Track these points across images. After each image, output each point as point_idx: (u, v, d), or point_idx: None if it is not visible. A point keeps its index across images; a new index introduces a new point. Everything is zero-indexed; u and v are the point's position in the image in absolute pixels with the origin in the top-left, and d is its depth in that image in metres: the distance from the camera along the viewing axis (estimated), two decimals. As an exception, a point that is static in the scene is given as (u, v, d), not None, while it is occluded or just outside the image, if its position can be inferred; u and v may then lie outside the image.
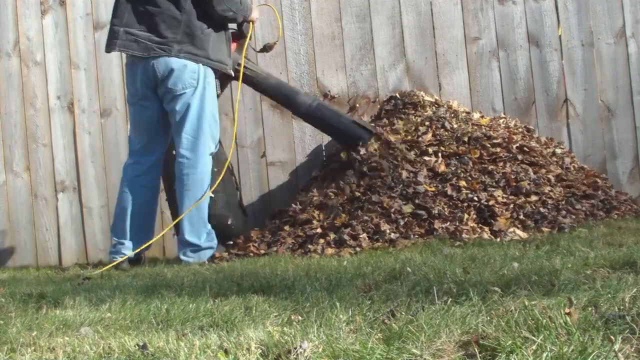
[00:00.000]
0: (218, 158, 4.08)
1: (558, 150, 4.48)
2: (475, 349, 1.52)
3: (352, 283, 2.41)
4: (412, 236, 3.65)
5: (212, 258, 3.85)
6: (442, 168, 4.04)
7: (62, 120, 4.90)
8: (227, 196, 4.10)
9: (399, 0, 4.78)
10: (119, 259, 3.84)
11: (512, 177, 4.00)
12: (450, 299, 1.95)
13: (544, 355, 1.42)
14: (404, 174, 3.98)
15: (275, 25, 4.80)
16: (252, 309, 2.11)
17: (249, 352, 1.61)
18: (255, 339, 1.67)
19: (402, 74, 4.78)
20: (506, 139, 4.27)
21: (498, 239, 3.53)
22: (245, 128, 4.78)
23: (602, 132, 4.72)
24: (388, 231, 3.67)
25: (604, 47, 4.73)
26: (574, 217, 3.80)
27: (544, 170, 4.13)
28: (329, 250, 3.61)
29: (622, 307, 1.72)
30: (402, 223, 3.73)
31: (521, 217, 3.78)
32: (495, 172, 4.02)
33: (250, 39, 4.18)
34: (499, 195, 3.88)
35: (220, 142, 4.09)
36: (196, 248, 3.85)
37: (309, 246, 3.69)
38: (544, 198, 3.91)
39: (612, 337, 1.48)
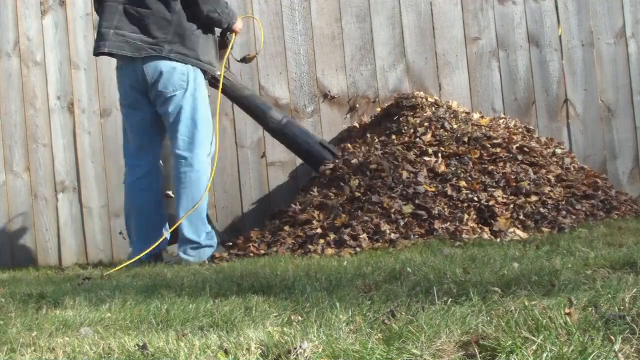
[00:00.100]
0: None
1: (558, 151, 4.48)
2: (475, 349, 1.52)
3: (352, 283, 2.41)
4: (412, 236, 3.65)
5: (211, 258, 3.85)
6: (442, 168, 4.04)
7: (62, 120, 4.90)
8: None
9: (399, 1, 4.78)
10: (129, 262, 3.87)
11: (512, 177, 4.00)
12: (450, 299, 1.95)
13: (544, 355, 1.42)
14: (404, 174, 3.98)
15: (275, 25, 4.80)
16: (252, 309, 2.11)
17: (249, 352, 1.61)
18: (255, 339, 1.67)
19: (402, 74, 4.78)
20: (506, 139, 4.27)
21: (498, 239, 3.53)
22: (245, 128, 4.78)
23: (602, 132, 4.72)
24: (388, 231, 3.67)
25: (604, 47, 4.73)
26: (574, 217, 3.80)
27: (544, 171, 4.13)
28: (329, 251, 3.61)
29: (622, 307, 1.72)
30: (402, 223, 3.73)
31: (521, 217, 3.78)
32: (495, 172, 4.02)
33: (231, 49, 4.19)
34: (499, 196, 3.88)
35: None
36: (196, 245, 3.86)
37: (309, 246, 3.69)
38: (544, 198, 3.91)
39: (612, 337, 1.48)
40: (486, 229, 3.70)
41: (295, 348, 1.57)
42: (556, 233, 3.59)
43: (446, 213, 3.77)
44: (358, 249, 3.58)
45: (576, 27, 4.74)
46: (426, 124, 4.34)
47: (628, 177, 4.69)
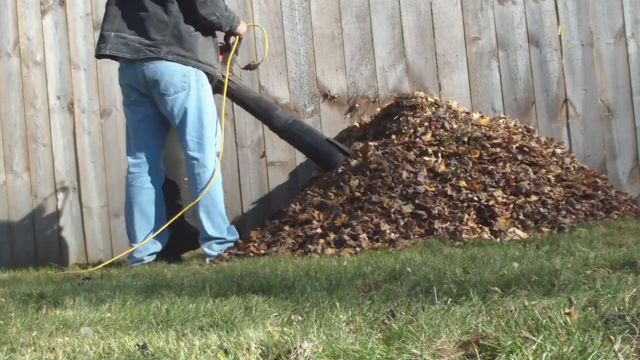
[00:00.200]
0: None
1: (558, 150, 4.48)
2: (475, 349, 1.52)
3: (352, 283, 2.41)
4: (412, 236, 3.65)
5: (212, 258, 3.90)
6: (442, 168, 4.04)
7: (62, 120, 4.90)
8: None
9: (399, 1, 4.78)
10: (134, 264, 3.89)
11: (512, 177, 4.00)
12: (450, 299, 1.95)
13: (544, 355, 1.42)
14: (404, 174, 3.98)
15: (275, 25, 4.80)
16: (252, 309, 2.11)
17: (249, 352, 1.61)
18: (255, 339, 1.67)
19: (402, 74, 4.78)
20: (506, 139, 4.27)
21: (498, 239, 3.53)
22: (245, 128, 4.79)
23: (602, 132, 4.72)
24: (388, 231, 3.67)
25: (604, 47, 4.73)
26: (574, 217, 3.80)
27: (544, 170, 4.13)
28: (329, 250, 3.61)
29: (622, 307, 1.72)
30: (402, 223, 3.73)
31: (521, 217, 3.77)
32: (495, 172, 4.02)
33: (236, 54, 4.20)
34: (499, 195, 3.88)
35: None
36: (221, 240, 3.95)
37: (309, 246, 3.69)
38: (544, 198, 3.91)
39: (612, 337, 1.48)
40: (486, 228, 3.70)
41: (295, 348, 1.57)
42: (556, 233, 3.59)
43: (446, 213, 3.77)
44: (358, 249, 3.58)
45: (576, 27, 4.74)
46: (426, 123, 4.34)
47: (628, 177, 4.69)
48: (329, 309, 1.97)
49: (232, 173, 4.76)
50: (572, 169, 4.36)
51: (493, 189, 3.92)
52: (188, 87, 3.90)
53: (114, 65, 4.77)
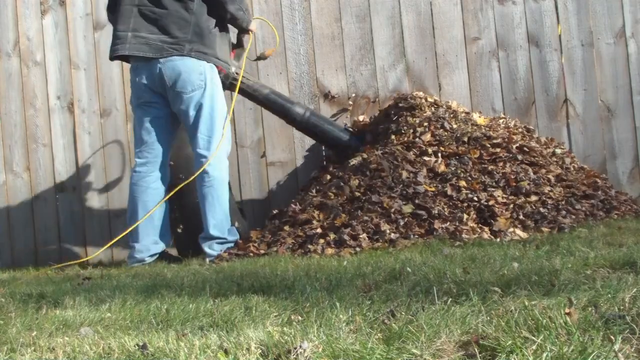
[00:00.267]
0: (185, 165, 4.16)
1: (558, 151, 4.48)
2: (475, 349, 1.52)
3: (352, 283, 2.41)
4: (412, 236, 3.65)
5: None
6: (442, 168, 4.04)
7: (62, 120, 4.90)
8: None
9: (398, 1, 4.78)
10: (135, 265, 3.89)
11: (512, 177, 4.00)
12: (450, 299, 1.95)
13: (544, 355, 1.42)
14: (404, 174, 3.98)
15: (275, 25, 4.80)
16: (252, 309, 2.11)
17: (249, 352, 1.61)
18: (255, 339, 1.67)
19: (402, 74, 4.78)
20: (506, 139, 4.27)
21: (498, 239, 3.53)
22: (245, 128, 4.79)
23: (602, 132, 4.72)
24: (388, 231, 3.67)
25: (604, 47, 4.73)
26: (574, 217, 3.80)
27: (544, 170, 4.13)
28: (329, 250, 3.61)
29: (622, 307, 1.72)
30: (402, 223, 3.73)
31: (521, 217, 3.77)
32: (495, 172, 4.02)
33: (248, 51, 4.22)
34: (498, 195, 3.88)
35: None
36: (222, 241, 3.96)
37: (309, 246, 3.69)
38: (544, 198, 3.91)
39: (612, 337, 1.48)
40: (486, 228, 3.69)
41: (295, 348, 1.57)
42: (556, 233, 3.59)
43: (446, 213, 3.77)
44: (358, 249, 3.58)
45: (576, 27, 4.74)
46: (426, 123, 4.34)
47: (628, 177, 4.69)
48: (329, 309, 1.97)
49: (232, 173, 4.74)
50: (572, 169, 4.36)
51: (493, 189, 3.92)
52: (204, 85, 3.92)
53: (114, 65, 4.78)
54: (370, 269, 2.71)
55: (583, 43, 4.74)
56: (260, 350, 1.62)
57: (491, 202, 3.83)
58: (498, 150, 4.18)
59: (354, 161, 4.21)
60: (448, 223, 3.70)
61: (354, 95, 4.78)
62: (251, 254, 3.80)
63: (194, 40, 3.89)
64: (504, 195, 3.91)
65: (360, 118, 4.74)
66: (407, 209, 3.80)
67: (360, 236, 3.66)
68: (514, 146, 4.22)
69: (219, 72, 4.01)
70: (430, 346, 1.56)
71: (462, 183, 3.93)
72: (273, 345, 1.62)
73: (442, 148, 4.16)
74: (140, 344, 1.71)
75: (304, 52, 4.80)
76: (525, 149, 4.24)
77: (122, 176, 4.84)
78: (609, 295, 1.82)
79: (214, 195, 3.93)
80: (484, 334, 1.60)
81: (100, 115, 4.88)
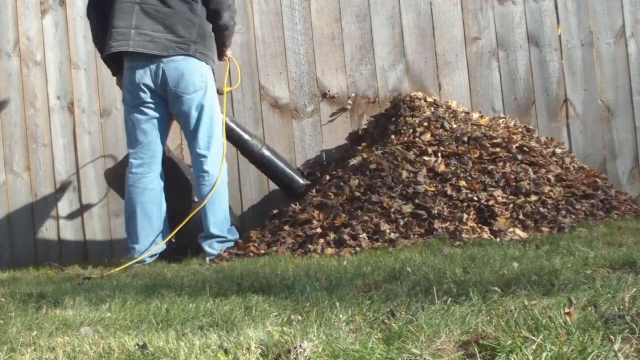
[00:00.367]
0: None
1: (558, 150, 4.48)
2: (475, 349, 1.52)
3: (352, 283, 2.41)
4: (412, 236, 3.65)
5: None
6: (442, 168, 4.04)
7: (62, 120, 4.90)
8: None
9: (398, 0, 4.78)
10: (135, 264, 3.89)
11: (512, 177, 4.00)
12: (450, 299, 1.95)
13: (544, 355, 1.42)
14: (404, 174, 3.98)
15: (275, 25, 4.80)
16: (252, 308, 2.11)
17: (249, 351, 1.61)
18: (255, 339, 1.67)
19: (401, 74, 4.78)
20: (506, 139, 4.27)
21: (498, 239, 3.53)
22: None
23: (602, 132, 4.72)
24: (388, 231, 3.67)
25: (604, 47, 4.73)
26: (573, 217, 3.80)
27: (543, 170, 4.13)
28: (329, 250, 3.61)
29: (621, 307, 1.72)
30: (402, 223, 3.73)
31: (521, 217, 3.77)
32: (495, 172, 4.02)
33: (228, 72, 4.26)
34: (498, 195, 3.88)
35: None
36: (222, 239, 3.97)
37: (309, 246, 3.69)
38: (544, 198, 3.91)
39: (611, 336, 1.49)
40: (486, 228, 3.69)
41: (295, 347, 1.58)
42: (556, 233, 3.59)
43: (446, 213, 3.77)
44: (358, 249, 3.58)
45: (576, 27, 4.74)
46: (425, 123, 4.34)
47: (628, 177, 4.69)
48: (329, 309, 1.97)
49: (232, 173, 4.75)
50: (572, 168, 4.36)
51: (493, 189, 3.92)
52: (205, 86, 3.94)
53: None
54: (370, 268, 2.71)
55: (583, 43, 4.74)
56: (260, 350, 1.62)
57: (491, 202, 3.83)
58: (498, 150, 4.18)
59: (354, 161, 4.21)
60: (448, 223, 3.70)
61: (353, 95, 4.78)
62: (251, 254, 3.80)
63: (198, 41, 3.92)
64: (504, 195, 3.91)
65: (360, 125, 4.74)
66: (407, 208, 3.80)
67: (360, 236, 3.67)
68: (514, 146, 4.22)
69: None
70: (430, 346, 1.56)
71: (462, 183, 3.93)
72: (273, 345, 1.62)
73: (442, 148, 4.16)
74: (140, 343, 1.71)
75: (304, 52, 4.80)
76: (525, 148, 4.24)
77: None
78: (609, 295, 1.82)
79: (214, 195, 3.93)
80: (483, 334, 1.60)
81: (100, 115, 4.88)
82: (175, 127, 4.26)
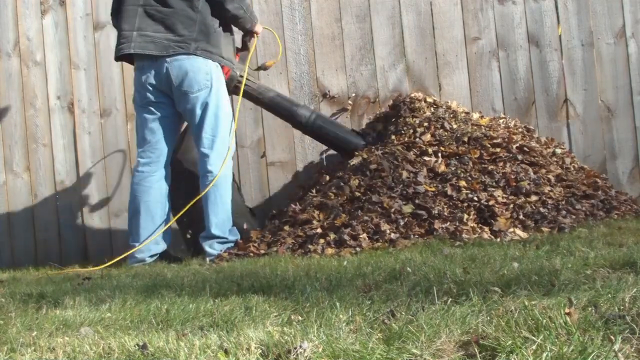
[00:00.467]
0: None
1: (558, 151, 4.48)
2: (475, 349, 1.52)
3: (352, 283, 2.41)
4: (412, 236, 3.65)
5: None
6: (442, 168, 4.04)
7: (62, 120, 4.90)
8: (235, 203, 4.13)
9: (399, 1, 4.78)
10: (135, 264, 3.89)
11: (512, 177, 4.00)
12: (450, 299, 1.95)
13: (544, 355, 1.42)
14: (404, 174, 3.98)
15: (275, 25, 4.80)
16: (252, 309, 2.11)
17: (249, 352, 1.61)
18: (255, 339, 1.67)
19: (402, 74, 4.78)
20: (506, 139, 4.27)
21: (498, 239, 3.53)
22: (245, 128, 4.79)
23: (602, 132, 4.72)
24: (388, 231, 3.67)
25: (604, 47, 4.73)
26: (574, 217, 3.80)
27: (544, 170, 4.13)
28: (329, 250, 3.61)
29: (622, 307, 1.72)
30: (402, 223, 3.73)
31: (521, 217, 3.77)
32: (495, 172, 4.02)
33: (253, 52, 4.24)
34: (499, 195, 3.88)
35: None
36: (223, 240, 3.96)
37: (309, 246, 3.69)
38: (544, 198, 3.91)
39: (612, 337, 1.48)
40: (486, 228, 3.69)
41: (295, 348, 1.58)
42: (556, 233, 3.59)
43: (446, 213, 3.77)
44: (358, 249, 3.58)
45: (576, 27, 4.74)
46: (426, 124, 4.34)
47: (628, 177, 4.69)
48: (329, 309, 1.97)
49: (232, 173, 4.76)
50: (572, 169, 4.36)
51: (493, 189, 3.92)
52: (210, 84, 3.92)
53: (114, 65, 4.78)
54: (370, 269, 2.71)
55: (583, 43, 4.74)
56: (260, 350, 1.62)
57: (491, 202, 3.83)
58: (498, 150, 4.18)
59: (354, 161, 4.21)
60: (448, 223, 3.70)
61: (354, 95, 4.78)
62: (251, 254, 3.80)
63: (200, 38, 3.90)
64: (504, 195, 3.91)
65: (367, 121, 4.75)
66: (407, 209, 3.80)
67: (360, 236, 3.66)
68: (514, 146, 4.22)
69: (231, 80, 4.05)
70: (430, 346, 1.56)
71: (462, 183, 3.93)
72: (273, 345, 1.62)
73: (442, 148, 4.16)
74: (140, 344, 1.71)
75: (304, 52, 4.80)
76: (526, 149, 4.24)
77: (122, 176, 4.84)
78: (609, 295, 1.82)
79: (217, 195, 3.93)
80: (484, 334, 1.60)
81: (100, 115, 4.88)
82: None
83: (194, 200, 3.94)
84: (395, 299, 2.05)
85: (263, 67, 4.44)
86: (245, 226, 4.10)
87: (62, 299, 2.51)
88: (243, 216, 4.17)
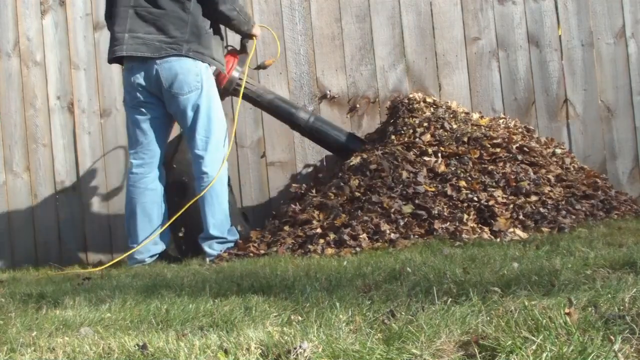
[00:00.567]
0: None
1: (558, 151, 4.48)
2: (475, 349, 1.52)
3: (352, 283, 2.41)
4: (412, 236, 3.65)
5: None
6: (442, 168, 4.04)
7: (62, 120, 4.90)
8: (229, 204, 4.13)
9: (399, 1, 4.78)
10: (134, 265, 3.89)
11: (512, 177, 4.00)
12: (450, 299, 1.95)
13: (544, 355, 1.42)
14: (404, 174, 3.98)
15: (275, 25, 4.80)
16: (252, 309, 2.11)
17: (249, 352, 1.61)
18: (255, 339, 1.67)
19: (402, 74, 4.78)
20: (506, 139, 4.27)
21: (498, 239, 3.53)
22: (245, 128, 4.79)
23: (602, 132, 4.72)
24: (388, 231, 3.67)
25: (604, 47, 4.73)
26: (574, 217, 3.80)
27: (544, 171, 4.13)
28: (329, 251, 3.61)
29: (622, 307, 1.72)
30: (402, 223, 3.73)
31: (521, 217, 3.77)
32: (495, 172, 4.01)
33: (251, 57, 4.24)
34: (498, 196, 3.88)
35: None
36: (222, 240, 3.96)
37: (309, 246, 3.69)
38: (544, 198, 3.91)
39: (612, 337, 1.48)
40: (486, 229, 3.69)
41: (295, 348, 1.58)
42: (556, 233, 3.59)
43: (446, 213, 3.77)
44: (358, 249, 3.58)
45: (576, 27, 4.74)
46: (425, 124, 4.34)
47: (628, 177, 4.69)
48: (329, 309, 1.97)
49: (232, 173, 4.75)
50: (572, 169, 4.36)
51: (493, 189, 3.92)
52: (201, 86, 3.92)
53: (115, 65, 4.77)
54: (370, 269, 2.71)
55: (583, 43, 4.74)
56: (260, 351, 1.62)
57: (491, 202, 3.83)
58: (498, 150, 4.18)
59: (354, 161, 4.21)
60: (448, 223, 3.70)
61: (354, 95, 4.78)
62: (251, 254, 3.80)
63: (192, 40, 3.89)
64: (504, 195, 3.91)
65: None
66: (407, 209, 3.80)
67: (360, 236, 3.66)
68: (514, 146, 4.22)
69: (217, 76, 4.04)
70: (430, 346, 1.56)
71: (462, 183, 3.93)
72: (273, 345, 1.62)
73: (442, 148, 4.16)
74: (140, 344, 1.71)
75: (304, 52, 4.80)
76: (525, 149, 4.24)
77: (122, 176, 4.84)
78: (609, 295, 1.82)
79: (214, 195, 3.93)
80: (484, 334, 1.60)
81: (100, 115, 4.88)
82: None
83: (192, 202, 3.94)
84: (395, 299, 2.05)
85: (262, 66, 4.43)
86: (239, 228, 4.09)
87: (62, 299, 2.51)
88: (235, 218, 4.16)
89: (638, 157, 4.69)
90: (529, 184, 3.97)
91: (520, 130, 4.50)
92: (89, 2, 4.90)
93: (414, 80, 4.77)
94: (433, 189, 3.91)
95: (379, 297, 2.12)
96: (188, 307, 2.19)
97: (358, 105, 4.77)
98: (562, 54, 4.74)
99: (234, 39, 4.41)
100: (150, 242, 3.96)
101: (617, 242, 2.95)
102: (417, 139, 4.24)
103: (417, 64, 4.78)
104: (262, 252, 3.79)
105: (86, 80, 4.89)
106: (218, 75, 4.11)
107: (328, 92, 4.77)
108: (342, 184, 4.07)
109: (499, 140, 4.23)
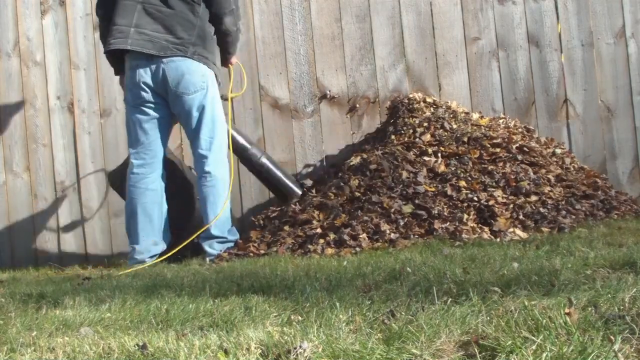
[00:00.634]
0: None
1: (558, 151, 4.48)
2: (475, 349, 1.52)
3: (352, 283, 2.41)
4: (412, 236, 3.65)
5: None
6: (442, 168, 4.04)
7: (62, 120, 4.90)
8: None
9: (399, 1, 4.78)
10: (135, 265, 3.89)
11: (512, 177, 4.00)
12: (450, 299, 1.95)
13: (544, 355, 1.42)
14: (404, 174, 3.98)
15: (275, 25, 4.80)
16: (252, 309, 2.11)
17: (249, 352, 1.61)
18: (255, 339, 1.67)
19: (402, 74, 4.78)
20: (506, 139, 4.27)
21: (498, 239, 3.53)
22: (245, 128, 4.78)
23: (602, 132, 4.72)
24: (388, 231, 3.67)
25: (604, 47, 4.73)
26: (573, 217, 3.80)
27: (543, 171, 4.13)
28: (329, 251, 3.61)
29: (622, 307, 1.72)
30: (402, 223, 3.73)
31: (521, 217, 3.77)
32: (495, 172, 4.02)
33: (231, 79, 4.23)
34: (498, 196, 3.88)
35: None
36: (223, 240, 3.97)
37: (309, 246, 3.69)
38: (544, 198, 3.91)
39: (611, 337, 1.48)
40: (486, 229, 3.69)
41: (295, 348, 1.58)
42: (556, 233, 3.59)
43: (446, 213, 3.77)
44: (358, 249, 3.58)
45: (576, 27, 4.74)
46: (425, 124, 4.34)
47: (628, 177, 4.69)
48: (329, 309, 1.97)
49: (231, 173, 4.75)
50: (572, 169, 4.36)
51: (493, 189, 3.92)
52: (206, 86, 3.94)
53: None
54: (370, 269, 2.71)
55: (583, 43, 4.73)
56: (260, 350, 1.62)
57: (491, 202, 3.83)
58: (498, 150, 4.18)
59: (354, 161, 4.21)
60: (448, 223, 3.70)
61: (354, 95, 4.78)
62: (251, 254, 3.80)
63: (198, 43, 3.91)
64: (504, 195, 3.91)
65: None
66: (407, 209, 3.80)
67: (360, 236, 3.66)
68: (514, 146, 4.22)
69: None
70: (430, 346, 1.56)
71: (462, 183, 3.93)
72: (273, 345, 1.62)
73: (442, 148, 4.16)
74: (140, 344, 1.71)
75: (304, 52, 4.80)
76: (525, 149, 4.24)
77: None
78: (609, 295, 1.82)
79: (216, 195, 3.93)
80: (484, 334, 1.60)
81: (100, 115, 4.88)
82: (175, 127, 4.26)
83: (209, 224, 3.94)
84: (395, 299, 2.05)
85: (224, 98, 4.26)
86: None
87: (62, 299, 2.51)
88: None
89: (638, 157, 4.69)
90: (529, 184, 3.97)
91: (520, 130, 4.50)
92: (89, 2, 4.90)
93: (414, 80, 4.77)
94: (433, 189, 3.91)
95: (379, 297, 2.12)
96: (188, 307, 2.19)
97: (358, 105, 4.77)
98: (562, 53, 4.74)
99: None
100: (150, 243, 3.97)
101: (617, 242, 2.95)
102: (417, 139, 4.24)
103: (417, 64, 4.78)
104: (262, 252, 3.79)
105: (86, 80, 4.89)
106: None
107: (328, 92, 4.77)
108: (342, 184, 4.07)
109: (498, 140, 4.23)
